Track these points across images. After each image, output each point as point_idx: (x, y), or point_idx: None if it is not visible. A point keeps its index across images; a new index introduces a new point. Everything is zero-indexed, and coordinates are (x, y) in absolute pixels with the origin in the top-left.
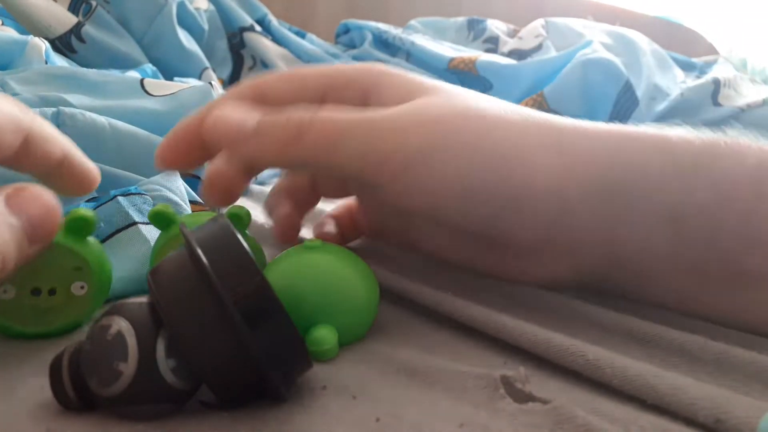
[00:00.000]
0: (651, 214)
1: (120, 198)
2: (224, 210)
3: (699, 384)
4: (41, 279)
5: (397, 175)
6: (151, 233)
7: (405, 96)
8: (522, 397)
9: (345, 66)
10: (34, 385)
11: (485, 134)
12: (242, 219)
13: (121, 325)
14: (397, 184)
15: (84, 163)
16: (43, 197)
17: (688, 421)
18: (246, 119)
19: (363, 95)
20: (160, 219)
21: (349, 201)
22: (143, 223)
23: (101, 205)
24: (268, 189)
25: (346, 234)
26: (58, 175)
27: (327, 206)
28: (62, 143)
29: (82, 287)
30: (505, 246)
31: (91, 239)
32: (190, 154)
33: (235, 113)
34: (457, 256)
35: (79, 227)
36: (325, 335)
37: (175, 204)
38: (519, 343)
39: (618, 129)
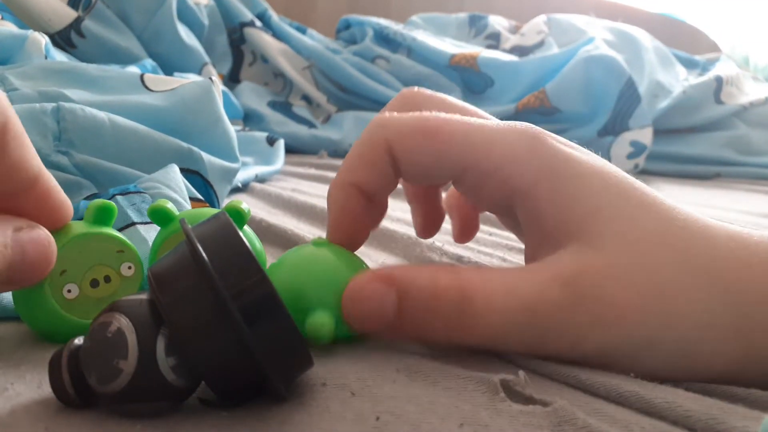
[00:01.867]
0: None
1: (118, 197)
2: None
3: (694, 397)
4: (95, 270)
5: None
6: (149, 233)
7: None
8: (522, 400)
9: (493, 134)
10: (33, 381)
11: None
12: (242, 215)
13: (121, 322)
14: None
15: (60, 191)
16: (46, 244)
17: (688, 427)
18: (384, 302)
19: (509, 194)
20: (159, 215)
21: None
22: (142, 223)
23: None
24: (269, 188)
25: None
26: (28, 198)
27: None
28: (39, 162)
29: (129, 267)
30: None
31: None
32: (362, 219)
33: (376, 291)
34: None
35: (106, 216)
36: (321, 317)
37: (175, 201)
38: (513, 359)
39: None
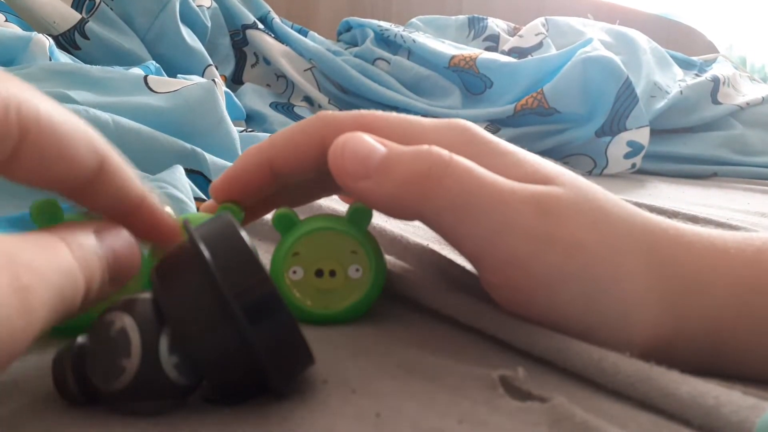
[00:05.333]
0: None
1: None
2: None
3: (692, 381)
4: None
5: (511, 277)
6: None
7: (531, 173)
8: (520, 395)
9: (425, 132)
10: (37, 379)
11: (612, 274)
12: (235, 215)
13: (124, 321)
14: (502, 279)
15: (164, 214)
16: (128, 235)
17: (685, 421)
18: (377, 148)
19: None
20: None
21: None
22: None
23: None
24: None
25: None
26: (132, 224)
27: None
28: (141, 186)
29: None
30: None
31: None
32: (256, 187)
33: (369, 139)
34: None
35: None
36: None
37: (181, 201)
38: (519, 346)
39: (746, 275)
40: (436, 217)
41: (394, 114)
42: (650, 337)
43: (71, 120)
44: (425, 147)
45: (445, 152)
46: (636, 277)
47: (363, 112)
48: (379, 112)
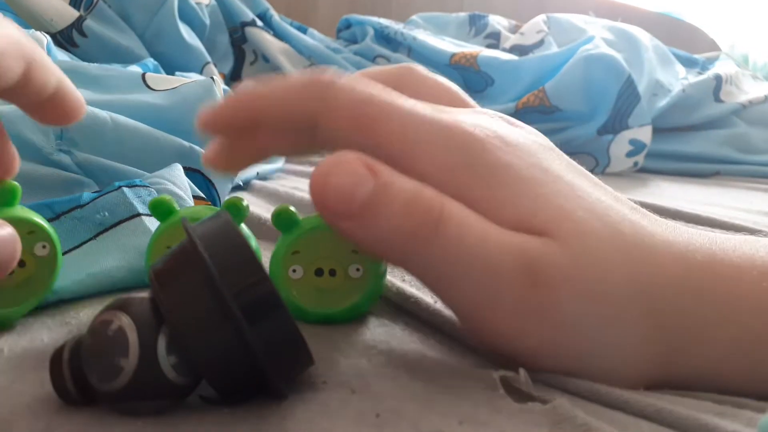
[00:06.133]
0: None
1: (125, 189)
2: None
3: (683, 402)
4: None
5: (497, 346)
6: (155, 225)
7: (525, 204)
8: (522, 397)
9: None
10: (34, 379)
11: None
12: (240, 210)
13: (122, 320)
14: (488, 345)
15: (74, 92)
16: (13, 240)
17: (684, 430)
18: (358, 186)
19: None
20: (160, 209)
21: None
22: (147, 214)
23: (106, 194)
24: (269, 185)
25: None
26: (49, 105)
27: None
28: (57, 71)
29: (44, 246)
30: None
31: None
32: (240, 128)
33: (356, 170)
34: None
35: (9, 196)
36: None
37: (179, 197)
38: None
39: (754, 324)
40: (420, 274)
41: (404, 110)
42: (639, 385)
43: (3, 34)
44: (417, 197)
45: (436, 206)
46: (630, 347)
47: (368, 101)
48: (387, 105)
